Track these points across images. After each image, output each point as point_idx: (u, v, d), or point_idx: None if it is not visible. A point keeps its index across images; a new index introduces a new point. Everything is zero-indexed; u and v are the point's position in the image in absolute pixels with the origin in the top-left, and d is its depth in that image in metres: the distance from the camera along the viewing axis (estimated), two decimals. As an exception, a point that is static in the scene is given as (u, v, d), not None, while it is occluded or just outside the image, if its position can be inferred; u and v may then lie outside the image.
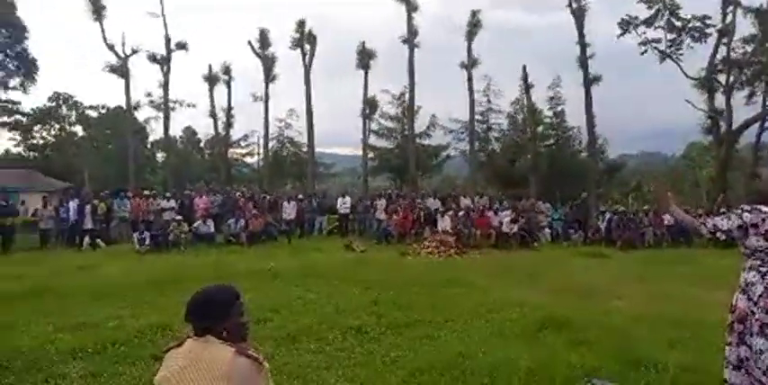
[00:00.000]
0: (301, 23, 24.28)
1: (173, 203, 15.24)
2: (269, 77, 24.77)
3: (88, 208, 13.43)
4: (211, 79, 25.72)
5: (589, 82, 20.17)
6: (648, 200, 22.31)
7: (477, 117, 24.94)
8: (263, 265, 9.22)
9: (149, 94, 25.70)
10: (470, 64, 23.30)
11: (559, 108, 26.03)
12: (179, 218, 13.71)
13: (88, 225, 13.35)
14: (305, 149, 26.82)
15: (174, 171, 26.52)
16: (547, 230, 15.96)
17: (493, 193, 21.39)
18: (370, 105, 24.77)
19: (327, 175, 31.34)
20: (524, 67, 23.83)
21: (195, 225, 13.88)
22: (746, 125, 20.46)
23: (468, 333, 4.94)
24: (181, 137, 38.43)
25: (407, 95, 24.05)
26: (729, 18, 20.69)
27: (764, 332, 2.46)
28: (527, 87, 23.79)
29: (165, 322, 4.96)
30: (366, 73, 24.28)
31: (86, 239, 13.23)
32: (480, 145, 26.38)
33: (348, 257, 11.35)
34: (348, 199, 17.32)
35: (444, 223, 14.88)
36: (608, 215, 15.90)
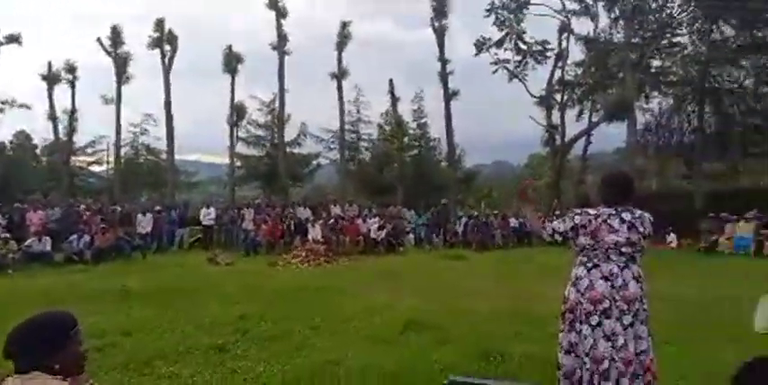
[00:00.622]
0: (160, 22, 22.74)
1: (-1, 218, 13.23)
2: (122, 78, 22.79)
3: None
4: (51, 78, 22.89)
5: (449, 96, 21.64)
6: (498, 205, 24.43)
7: (347, 126, 25.38)
8: (113, 285, 8.34)
9: (-29, 93, 22.20)
10: (340, 74, 23.65)
11: (423, 120, 27.55)
12: (6, 235, 11.91)
13: None
14: (164, 157, 25.07)
15: (1, 181, 23.12)
16: (411, 235, 16.73)
17: (362, 202, 21.88)
18: (237, 111, 23.90)
19: (189, 185, 29.59)
20: (391, 81, 24.88)
21: (27, 243, 12.15)
22: (575, 138, 23.45)
23: (337, 340, 4.97)
24: (11, 142, 33.62)
25: (277, 102, 23.68)
26: (564, 44, 23.57)
27: (588, 320, 2.81)
28: (394, 100, 24.82)
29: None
30: (233, 77, 23.48)
31: None
32: (350, 154, 26.86)
33: (212, 271, 10.81)
34: (212, 209, 16.51)
35: (315, 232, 14.85)
36: (464, 219, 17.13)
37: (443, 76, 21.53)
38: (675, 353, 4.41)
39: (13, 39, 21.45)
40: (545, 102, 23.35)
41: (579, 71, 24.20)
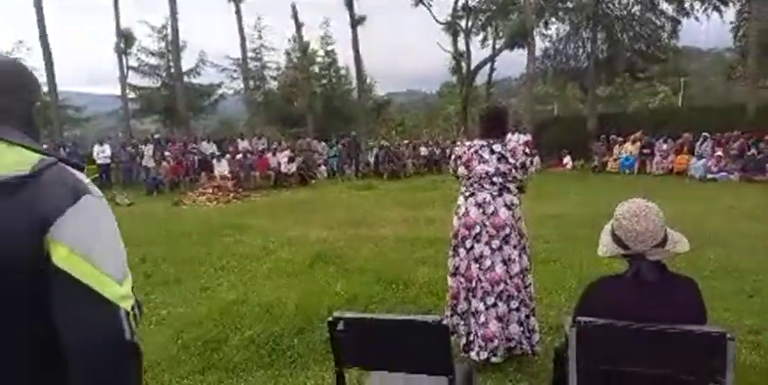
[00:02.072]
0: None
1: None
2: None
3: None
4: None
5: (355, 22, 20.81)
6: (410, 134, 24.80)
7: (249, 54, 23.90)
8: None
9: None
10: (238, -4, 21.81)
11: (330, 48, 26.50)
12: None
13: None
14: (45, 90, 22.45)
15: None
16: (323, 168, 16.68)
17: (271, 134, 21.25)
18: (125, 38, 21.59)
19: (80, 120, 27.00)
20: (294, 6, 23.32)
21: None
22: (480, 66, 23.78)
23: (243, 278, 5.00)
24: None
25: (170, 28, 21.59)
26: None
27: (464, 244, 3.04)
28: (298, 25, 23.46)
29: None
30: (116, 1, 20.91)
31: None
32: (256, 84, 25.55)
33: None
34: (107, 146, 15.36)
35: (221, 167, 14.37)
36: (375, 150, 17.26)
37: (349, 2, 20.55)
38: (559, 270, 4.89)
39: None
40: (451, 28, 23.18)
41: (483, -3, 24.03)
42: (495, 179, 2.99)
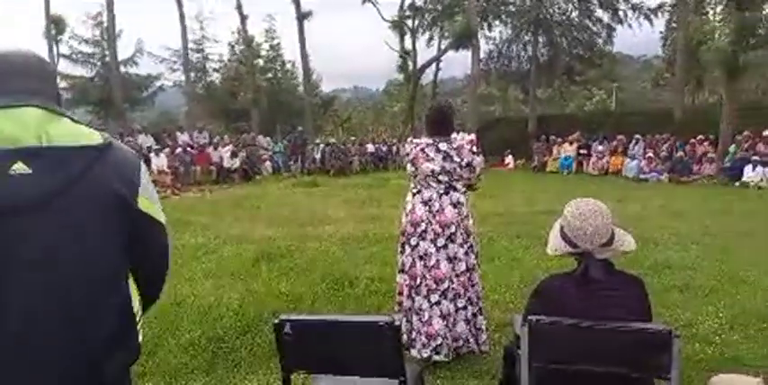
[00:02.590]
0: None
1: None
2: None
3: None
4: None
5: (301, 16, 20.51)
6: (356, 131, 24.75)
7: (191, 45, 23.04)
8: None
9: None
10: (178, -17, 20.95)
11: (275, 41, 26.02)
12: None
13: None
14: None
15: None
16: (268, 163, 16.32)
17: (213, 128, 20.58)
18: (55, 24, 20.24)
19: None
20: (237, -4, 22.66)
21: None
22: (426, 65, 24.06)
23: (184, 278, 4.76)
24: None
25: (105, 14, 20.45)
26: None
27: (409, 241, 3.03)
28: (242, 18, 22.83)
29: None
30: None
31: None
32: (197, 76, 24.69)
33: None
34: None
35: (160, 162, 13.72)
36: (321, 146, 17.08)
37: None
38: (504, 267, 4.97)
39: None
40: (398, 27, 23.30)
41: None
42: (440, 177, 2.98)
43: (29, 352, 1.08)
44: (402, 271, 3.11)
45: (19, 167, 1.06)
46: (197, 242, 6.28)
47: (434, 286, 2.94)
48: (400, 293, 3.13)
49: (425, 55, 24.23)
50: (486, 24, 22.83)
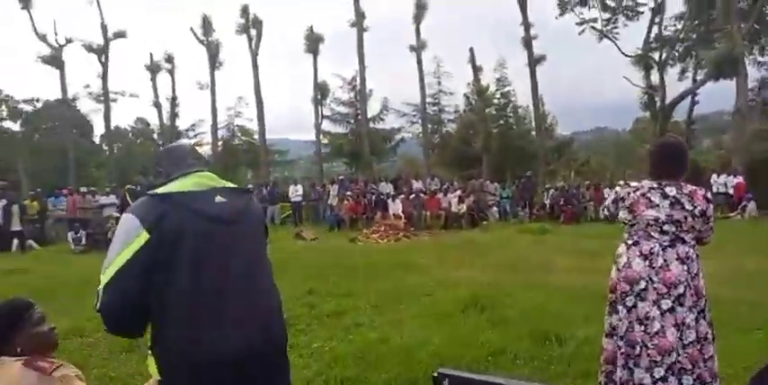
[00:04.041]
0: (245, 8, 23.72)
1: (113, 199, 14.61)
2: (214, 64, 24.16)
3: (15, 208, 12.61)
4: (153, 68, 24.90)
5: (534, 62, 20.53)
6: (595, 174, 23.07)
7: (428, 99, 25.10)
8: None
9: (88, 86, 24.74)
10: (419, 46, 23.32)
11: (506, 89, 26.49)
12: (118, 215, 13.24)
13: (15, 226, 12.55)
14: (256, 137, 26.42)
15: (117, 164, 25.68)
16: (495, 209, 16.32)
17: (445, 175, 21.68)
18: (321, 90, 24.52)
19: (283, 163, 31.00)
20: (471, 50, 24.01)
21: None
22: (678, 100, 21.28)
23: (395, 317, 5.01)
24: (132, 127, 37.02)
25: (358, 79, 23.91)
26: (661, -3, 21.28)
27: (624, 301, 2.59)
28: (475, 69, 24.02)
29: (78, 326, 4.83)
30: (315, 57, 23.99)
31: (15, 242, 12.52)
32: (433, 127, 26.60)
33: (296, 247, 11.29)
34: (300, 186, 17.21)
35: (395, 207, 14.99)
36: (551, 191, 16.36)
37: (527, 41, 20.42)
38: (763, 341, 3.94)
39: (120, 34, 23.37)
40: (642, 61, 21.37)
41: (679, 25, 21.78)
42: (665, 227, 2.56)
43: (243, 300, 1.69)
44: (610, 335, 2.71)
45: (219, 198, 1.73)
46: (415, 282, 6.57)
47: (659, 358, 2.48)
48: (606, 361, 2.73)
49: (676, 88, 21.64)
50: (757, 48, 19.37)
